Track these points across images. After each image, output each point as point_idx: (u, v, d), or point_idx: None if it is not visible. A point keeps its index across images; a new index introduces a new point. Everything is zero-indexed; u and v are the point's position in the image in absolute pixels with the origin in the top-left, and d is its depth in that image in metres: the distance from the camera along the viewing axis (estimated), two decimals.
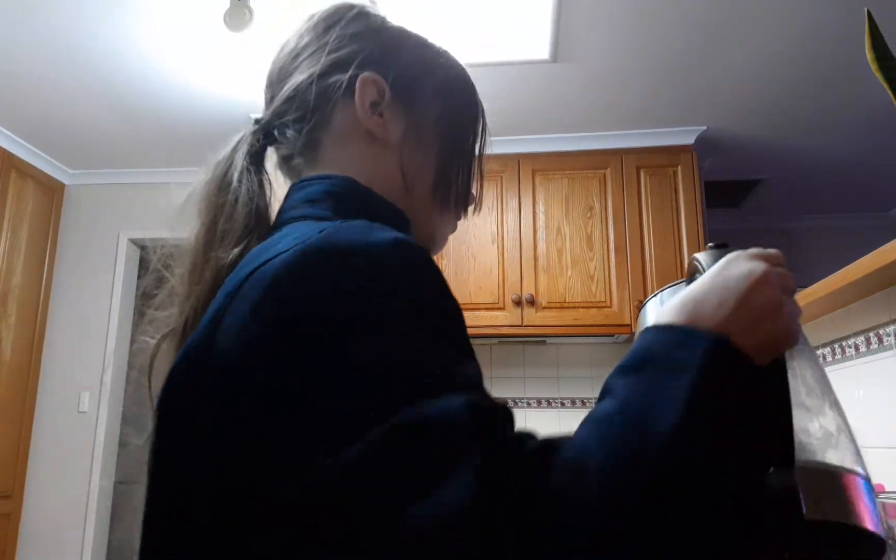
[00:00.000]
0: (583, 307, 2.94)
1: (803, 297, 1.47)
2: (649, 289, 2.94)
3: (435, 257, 0.49)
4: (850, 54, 2.49)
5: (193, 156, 3.39)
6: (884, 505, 1.11)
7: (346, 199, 0.54)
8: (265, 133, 0.60)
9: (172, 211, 0.56)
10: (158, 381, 0.51)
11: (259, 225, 0.54)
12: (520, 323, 2.94)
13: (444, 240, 0.64)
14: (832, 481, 0.45)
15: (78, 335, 3.49)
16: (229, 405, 0.39)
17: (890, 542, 1.06)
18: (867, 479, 0.47)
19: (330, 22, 0.61)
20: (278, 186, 0.59)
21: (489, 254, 3.04)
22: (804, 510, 0.41)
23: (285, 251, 0.42)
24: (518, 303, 2.96)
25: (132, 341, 3.51)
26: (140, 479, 0.52)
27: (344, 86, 0.58)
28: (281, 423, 0.37)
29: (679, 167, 3.09)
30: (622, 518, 0.32)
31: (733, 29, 2.41)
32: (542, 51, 2.53)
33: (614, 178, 3.09)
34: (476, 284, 2.99)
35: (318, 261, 0.41)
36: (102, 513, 3.36)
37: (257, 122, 0.61)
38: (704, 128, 3.09)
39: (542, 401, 3.17)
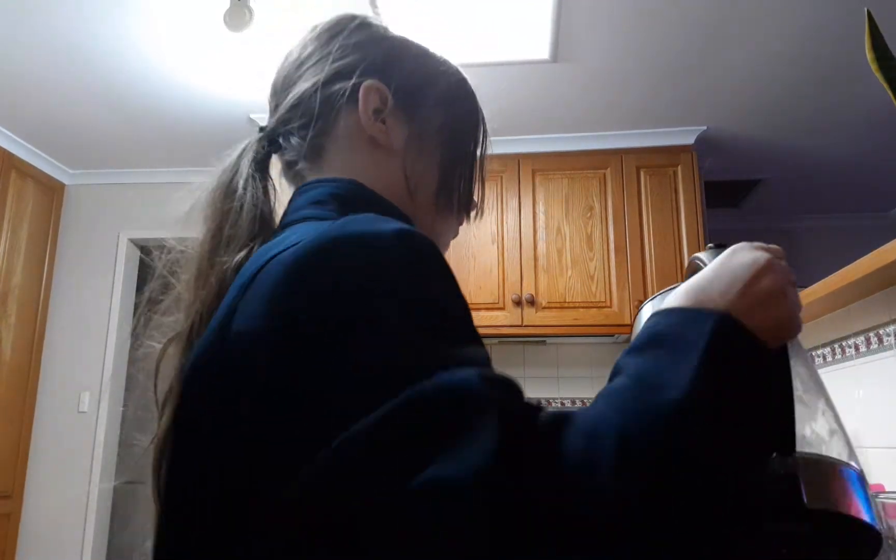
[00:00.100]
0: (583, 307, 2.94)
1: (803, 296, 1.47)
2: (649, 289, 2.94)
3: None
4: (850, 54, 2.49)
5: (193, 156, 3.40)
6: (884, 505, 1.11)
7: (351, 201, 0.54)
8: (270, 140, 0.61)
9: (173, 211, 0.56)
10: (163, 385, 0.52)
11: (263, 230, 0.54)
12: (520, 323, 2.94)
13: (447, 245, 0.65)
14: (831, 473, 0.46)
15: (78, 335, 3.50)
16: (230, 405, 0.40)
17: (889, 541, 1.06)
18: (862, 475, 0.47)
19: (333, 32, 0.62)
20: (283, 193, 0.60)
21: (489, 254, 3.04)
22: (805, 499, 0.41)
23: (297, 243, 0.43)
24: (518, 303, 2.96)
25: (132, 341, 3.51)
26: (145, 479, 0.52)
27: (347, 93, 0.59)
28: (281, 422, 0.37)
29: (679, 167, 3.09)
30: (637, 480, 0.33)
31: (733, 29, 2.41)
32: (542, 51, 2.53)
33: (614, 178, 3.09)
34: (476, 284, 2.99)
35: (325, 255, 0.41)
36: (102, 513, 3.36)
37: (262, 129, 0.62)
38: (704, 128, 3.09)
39: (543, 401, 3.17)
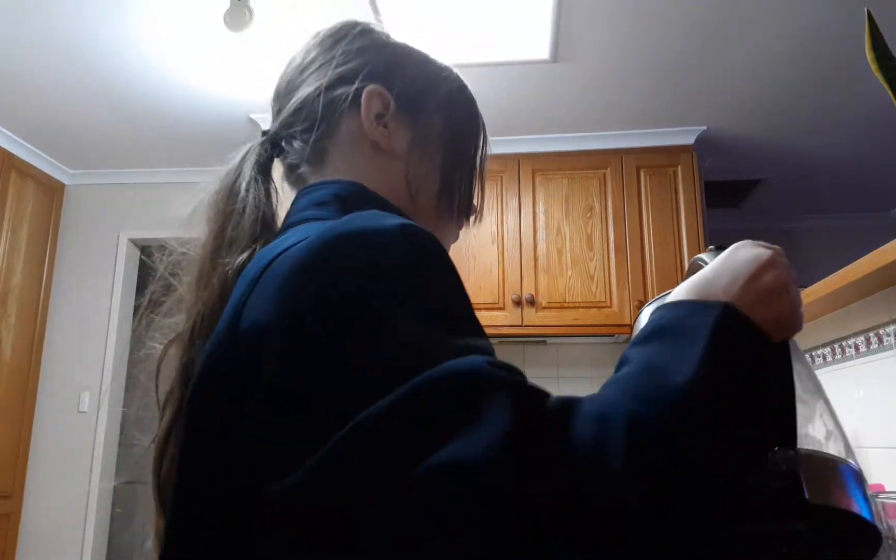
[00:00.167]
0: (583, 307, 2.94)
1: (803, 296, 1.47)
2: (649, 288, 2.94)
3: None
4: (850, 54, 2.49)
5: (193, 156, 3.40)
6: (884, 505, 1.11)
7: (353, 202, 0.54)
8: (273, 144, 0.62)
9: (174, 212, 0.57)
10: (164, 385, 0.53)
11: (265, 232, 0.55)
12: (520, 323, 2.94)
13: (448, 248, 0.66)
14: (832, 470, 0.46)
15: (78, 335, 3.50)
16: (237, 404, 0.40)
17: (889, 541, 1.06)
18: (861, 474, 0.47)
19: (336, 38, 0.64)
20: (285, 197, 0.61)
21: (489, 254, 3.04)
22: (806, 494, 0.42)
23: (304, 239, 0.43)
24: (518, 303, 2.96)
25: (133, 342, 3.51)
26: (145, 479, 0.52)
27: (350, 98, 0.60)
28: (287, 420, 0.37)
29: (679, 167, 3.09)
30: (647, 465, 0.33)
31: (733, 29, 2.41)
32: (542, 51, 2.53)
33: (614, 178, 3.09)
34: (476, 284, 2.99)
35: (330, 252, 0.41)
36: (102, 513, 3.36)
37: (265, 133, 0.63)
38: (704, 128, 3.09)
39: None
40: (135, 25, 2.41)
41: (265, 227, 0.55)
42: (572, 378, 3.18)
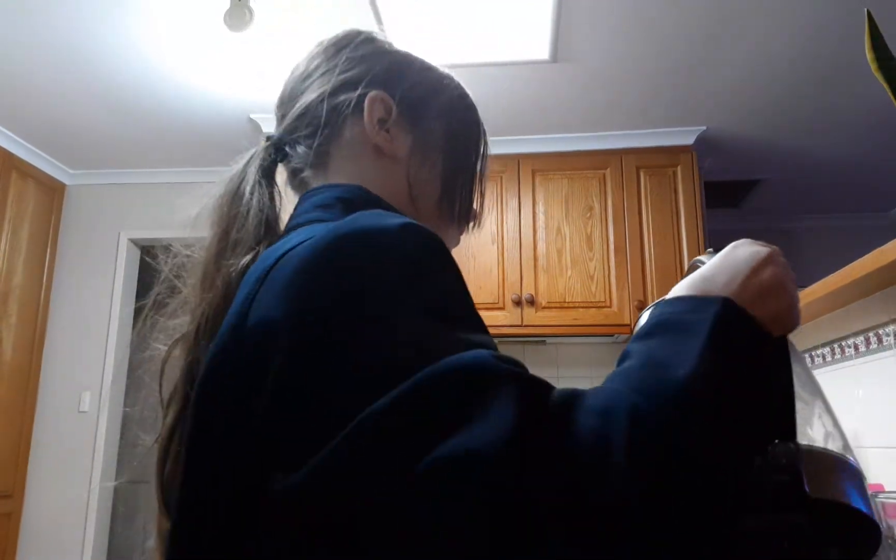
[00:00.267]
0: (582, 307, 2.95)
1: (803, 296, 1.47)
2: (649, 288, 2.95)
3: None
4: (850, 54, 2.49)
5: (194, 156, 3.40)
6: (883, 504, 1.11)
7: (356, 204, 0.55)
8: (276, 148, 0.63)
9: (174, 212, 0.57)
10: (168, 386, 0.53)
11: (269, 235, 0.56)
12: (520, 323, 2.94)
13: None
14: (831, 464, 0.47)
15: (78, 335, 3.50)
16: (242, 403, 0.40)
17: (889, 541, 1.06)
18: (861, 471, 0.48)
19: (340, 46, 0.65)
20: (288, 201, 0.62)
21: (489, 254, 3.04)
22: (807, 488, 0.42)
23: (309, 239, 0.44)
24: (518, 303, 2.96)
25: (137, 342, 3.51)
26: (146, 479, 0.53)
27: (353, 103, 0.61)
28: (292, 419, 0.37)
29: (679, 167, 3.09)
30: (650, 459, 0.33)
31: (733, 29, 2.41)
32: (542, 51, 2.53)
33: (614, 179, 3.10)
34: (476, 284, 2.99)
35: (335, 252, 0.42)
36: (103, 513, 3.37)
37: (269, 138, 0.64)
38: (704, 128, 3.09)
39: None
40: (135, 25, 2.41)
41: (269, 229, 0.56)
42: (572, 378, 3.18)
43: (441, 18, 2.32)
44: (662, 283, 2.93)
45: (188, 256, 0.58)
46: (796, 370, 0.48)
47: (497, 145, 3.04)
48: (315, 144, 0.61)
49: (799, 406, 0.48)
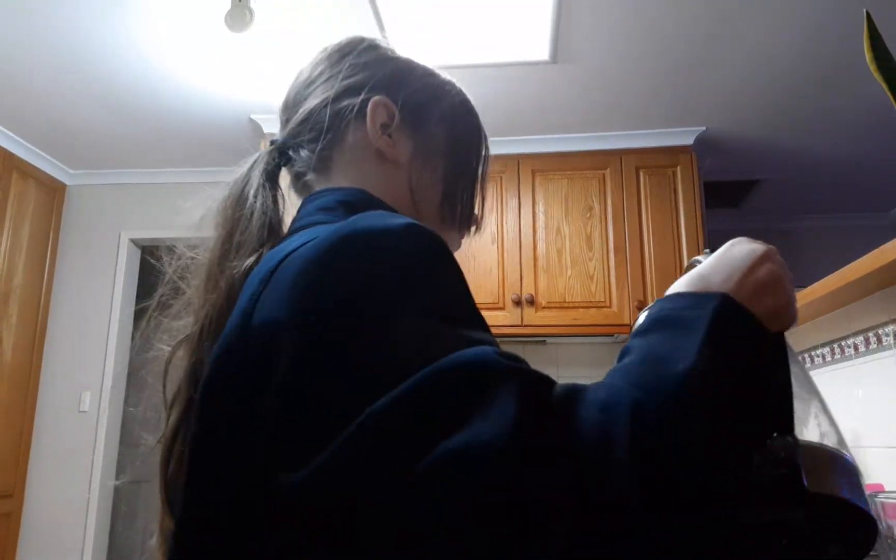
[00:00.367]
0: (582, 307, 2.95)
1: (803, 296, 1.47)
2: (649, 289, 2.95)
3: None
4: (849, 54, 2.49)
5: (194, 156, 3.40)
6: (883, 505, 1.11)
7: (358, 207, 0.56)
8: (280, 153, 0.64)
9: (175, 214, 0.58)
10: (171, 386, 0.54)
11: (272, 237, 0.56)
12: (520, 323, 2.95)
13: None
14: (829, 459, 0.47)
15: (79, 335, 3.50)
16: (246, 403, 0.40)
17: (889, 541, 1.07)
18: (857, 467, 0.48)
19: (343, 52, 0.66)
20: (291, 204, 0.63)
21: (489, 254, 3.04)
22: (805, 483, 0.43)
23: (313, 239, 0.44)
24: (518, 303, 2.96)
25: (140, 343, 3.51)
26: (147, 479, 0.53)
27: (356, 108, 0.62)
28: (297, 419, 0.38)
29: (678, 167, 3.09)
30: (652, 453, 0.34)
31: (733, 29, 2.41)
32: (541, 51, 2.53)
33: (614, 179, 3.10)
34: (476, 284, 2.99)
35: (339, 252, 0.42)
36: (103, 513, 3.37)
37: (273, 142, 0.65)
38: (704, 128, 3.10)
39: None
40: (135, 25, 2.41)
41: (272, 232, 0.57)
42: (572, 378, 3.15)
43: (441, 19, 2.32)
44: (662, 283, 2.93)
45: (192, 258, 0.59)
46: (793, 369, 0.48)
47: (497, 145, 3.04)
48: (318, 149, 0.62)
49: (795, 404, 0.48)
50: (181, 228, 0.58)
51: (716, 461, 0.36)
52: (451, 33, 2.40)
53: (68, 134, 3.24)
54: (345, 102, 0.62)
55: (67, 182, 3.67)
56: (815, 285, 1.43)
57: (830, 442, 0.50)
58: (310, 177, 0.63)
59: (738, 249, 0.47)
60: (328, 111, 0.62)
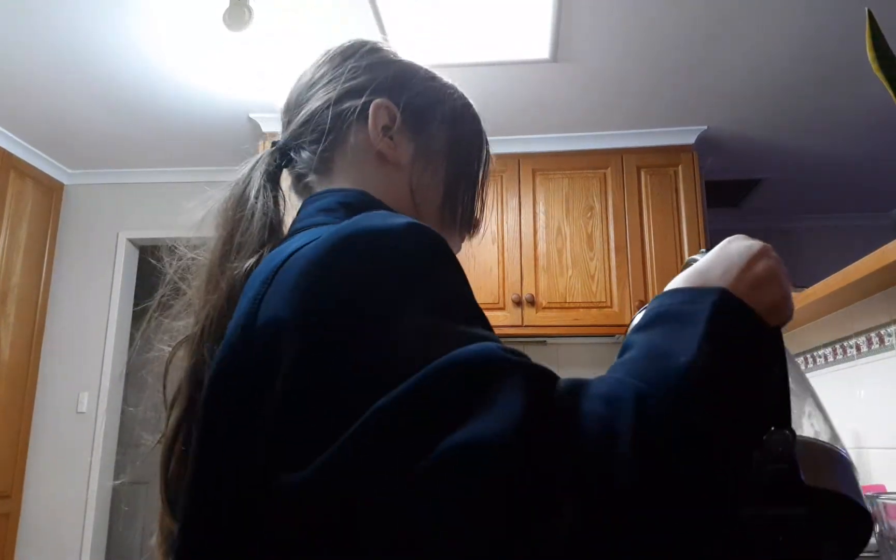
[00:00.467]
0: (583, 307, 2.94)
1: (805, 297, 1.47)
2: (650, 288, 2.94)
3: None
4: (850, 54, 2.49)
5: (193, 156, 3.40)
6: (884, 505, 1.11)
7: (358, 209, 0.56)
8: (282, 154, 0.64)
9: (175, 214, 0.58)
10: (172, 387, 0.54)
11: (272, 238, 0.56)
12: (520, 323, 2.94)
13: None
14: (825, 454, 0.48)
15: (77, 335, 3.49)
16: (249, 404, 0.40)
17: (890, 541, 1.06)
18: (849, 460, 0.49)
19: (346, 55, 0.66)
20: (291, 206, 0.63)
21: (489, 253, 3.04)
22: (802, 477, 0.43)
23: (316, 240, 0.44)
24: (518, 303, 2.96)
25: (141, 343, 3.51)
26: (147, 480, 0.53)
27: (358, 111, 0.62)
28: (300, 419, 0.37)
29: (679, 167, 3.09)
30: (656, 446, 0.34)
31: (733, 29, 2.41)
32: (542, 51, 2.53)
33: (615, 178, 3.09)
34: (476, 284, 2.99)
35: (341, 252, 0.42)
36: (101, 513, 3.36)
37: (274, 143, 0.65)
38: (705, 128, 3.09)
39: None
40: (135, 25, 2.40)
41: (272, 233, 0.57)
42: None
43: (441, 18, 2.32)
44: (663, 282, 2.93)
45: (193, 259, 0.59)
46: (788, 367, 0.48)
47: (497, 145, 3.04)
48: (319, 150, 0.62)
49: (794, 401, 0.49)
50: (180, 228, 0.58)
51: (717, 455, 0.36)
52: (451, 32, 2.40)
53: (67, 133, 3.23)
54: (346, 104, 0.62)
55: (65, 182, 3.67)
56: (817, 286, 1.43)
57: (825, 438, 0.51)
58: (311, 178, 0.64)
59: (735, 246, 0.48)
60: (330, 113, 0.62)
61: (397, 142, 0.63)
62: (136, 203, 3.62)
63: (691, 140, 3.12)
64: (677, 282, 0.47)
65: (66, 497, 3.31)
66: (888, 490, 1.31)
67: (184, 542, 0.45)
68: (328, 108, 0.63)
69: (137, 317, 3.58)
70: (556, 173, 3.12)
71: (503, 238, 3.06)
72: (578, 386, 0.37)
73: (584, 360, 3.21)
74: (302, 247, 0.45)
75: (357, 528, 0.33)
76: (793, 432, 0.43)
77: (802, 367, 1.77)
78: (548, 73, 2.69)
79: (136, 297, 3.64)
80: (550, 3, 2.26)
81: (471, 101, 0.70)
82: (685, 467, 0.35)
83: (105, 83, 2.77)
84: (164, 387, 0.55)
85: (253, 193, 0.58)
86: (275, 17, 2.31)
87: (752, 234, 0.52)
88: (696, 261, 0.52)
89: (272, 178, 0.61)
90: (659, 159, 3.11)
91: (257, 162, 0.62)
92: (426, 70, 0.68)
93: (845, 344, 1.60)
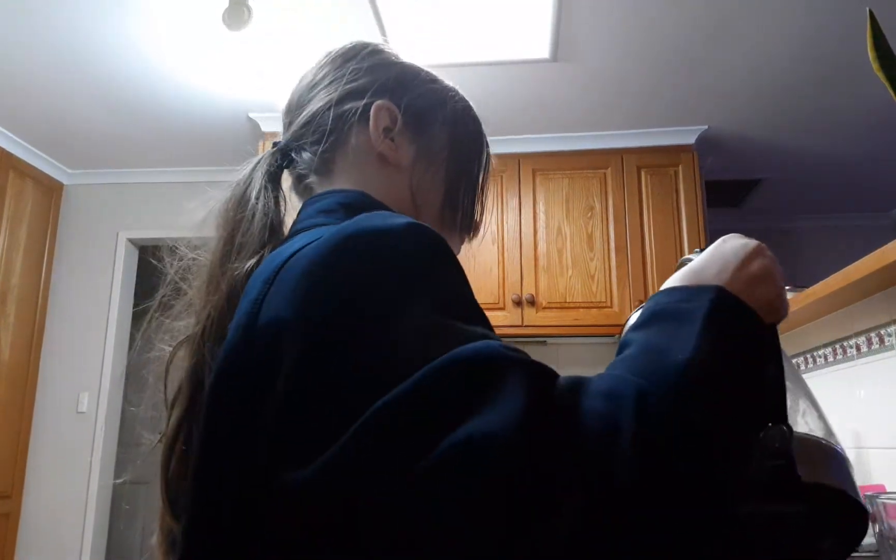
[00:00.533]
0: (583, 307, 2.94)
1: (803, 297, 1.47)
2: (650, 288, 2.94)
3: None
4: (850, 54, 2.49)
5: (193, 155, 3.40)
6: (884, 505, 1.11)
7: (358, 210, 0.56)
8: (283, 155, 0.65)
9: (175, 214, 0.58)
10: (172, 386, 0.54)
11: (273, 238, 0.57)
12: (520, 323, 2.94)
13: None
14: (821, 450, 0.48)
15: (77, 335, 3.49)
16: (250, 404, 0.40)
17: (890, 541, 1.06)
18: (845, 455, 0.49)
19: (347, 57, 0.66)
20: (292, 207, 0.63)
21: (489, 254, 3.04)
22: (798, 472, 0.43)
23: (317, 240, 0.44)
24: (518, 303, 2.96)
25: (141, 343, 3.51)
26: (146, 480, 0.53)
27: (359, 112, 0.63)
28: (301, 419, 0.38)
29: (680, 167, 3.09)
30: (656, 443, 0.34)
31: (733, 29, 2.41)
32: (542, 50, 2.53)
33: (615, 178, 3.09)
34: (476, 284, 2.99)
35: (342, 252, 0.43)
36: (101, 513, 3.36)
37: (275, 144, 0.65)
38: (705, 127, 3.09)
39: None
40: (135, 25, 2.40)
41: (273, 233, 0.57)
42: None
43: (441, 18, 2.32)
44: (663, 282, 2.92)
45: (193, 259, 0.59)
46: (785, 367, 0.49)
47: (497, 145, 3.03)
48: (320, 151, 0.63)
49: (790, 400, 0.49)
50: (179, 228, 0.58)
51: (717, 453, 0.37)
52: (451, 32, 2.40)
53: (66, 133, 3.23)
54: (348, 106, 0.63)
55: (65, 181, 3.67)
56: (817, 286, 1.43)
57: (819, 435, 0.51)
58: (311, 179, 0.64)
59: (731, 244, 0.49)
60: (331, 114, 0.62)
61: (398, 143, 0.63)
62: (135, 203, 3.62)
63: (691, 140, 3.12)
64: (673, 281, 0.48)
65: (66, 497, 3.31)
66: (888, 490, 1.30)
67: (187, 542, 0.45)
68: (329, 109, 0.63)
69: (137, 317, 3.58)
70: (556, 173, 3.12)
71: (503, 238, 3.06)
72: (579, 383, 0.37)
73: (584, 360, 3.21)
74: (303, 247, 0.45)
75: (358, 528, 0.33)
76: (790, 428, 0.44)
77: (802, 367, 1.77)
78: (548, 72, 2.69)
79: (136, 297, 3.64)
80: (550, 3, 2.26)
81: (471, 104, 0.70)
82: (685, 465, 0.35)
83: (105, 83, 2.77)
84: (165, 387, 0.55)
85: (254, 194, 0.58)
86: (274, 16, 2.31)
87: (752, 234, 0.52)
88: (690, 260, 0.52)
89: (273, 179, 0.61)
90: (659, 159, 3.11)
91: (258, 162, 0.62)
92: (427, 72, 0.68)
93: (845, 344, 1.60)
